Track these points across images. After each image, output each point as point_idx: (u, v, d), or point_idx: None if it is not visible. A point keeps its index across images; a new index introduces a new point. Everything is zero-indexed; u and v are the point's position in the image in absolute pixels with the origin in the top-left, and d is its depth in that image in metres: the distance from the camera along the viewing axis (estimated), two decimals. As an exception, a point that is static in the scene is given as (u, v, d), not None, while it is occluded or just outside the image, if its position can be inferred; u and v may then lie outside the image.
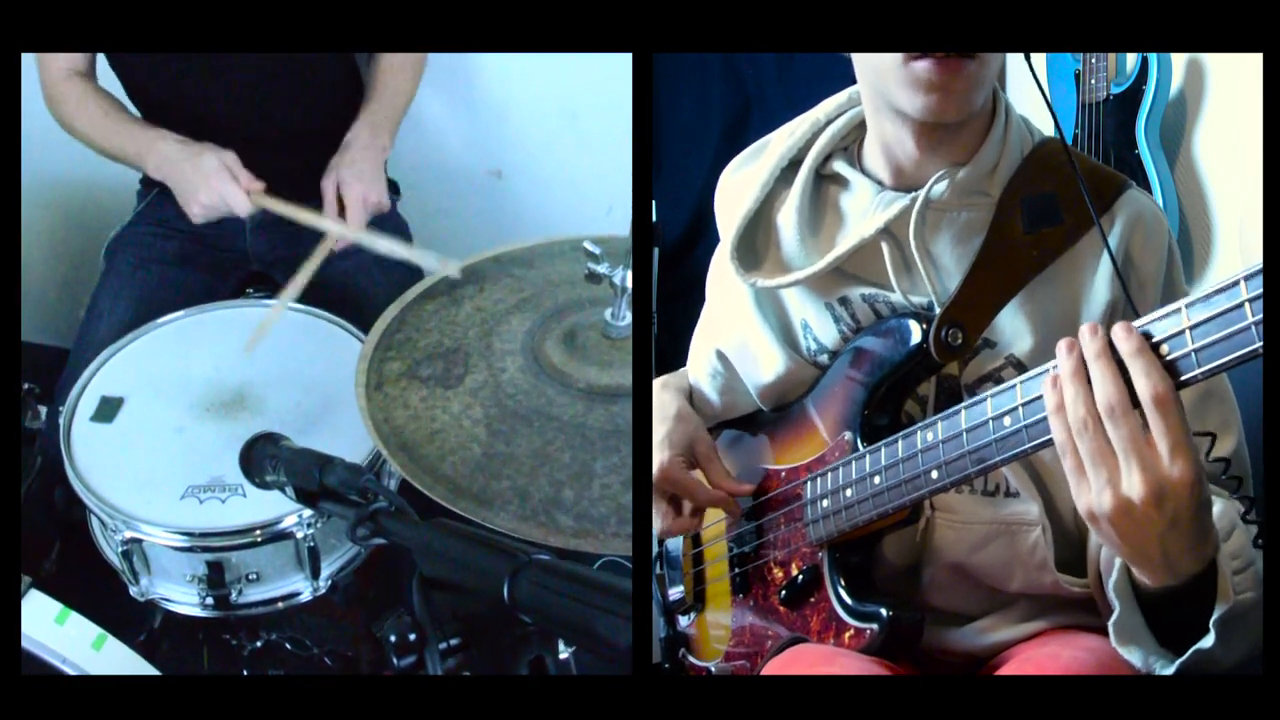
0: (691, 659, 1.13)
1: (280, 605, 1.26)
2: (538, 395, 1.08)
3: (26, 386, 1.63)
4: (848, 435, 0.94)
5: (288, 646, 1.47)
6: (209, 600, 1.23)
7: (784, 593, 0.98)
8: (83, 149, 1.59)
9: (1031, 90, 0.92)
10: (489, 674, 0.72)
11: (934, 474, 0.84)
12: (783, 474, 1.01)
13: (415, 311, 1.22)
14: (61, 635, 1.09)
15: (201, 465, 1.24)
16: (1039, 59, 1.86)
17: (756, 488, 1.04)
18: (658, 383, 1.10)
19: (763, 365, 1.01)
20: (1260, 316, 0.63)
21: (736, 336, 1.03)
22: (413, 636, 0.71)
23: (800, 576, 0.97)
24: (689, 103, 2.00)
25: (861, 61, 0.91)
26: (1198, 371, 0.67)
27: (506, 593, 0.67)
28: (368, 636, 1.48)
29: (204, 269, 1.63)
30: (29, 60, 1.51)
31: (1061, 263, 0.90)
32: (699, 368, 1.09)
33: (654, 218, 1.85)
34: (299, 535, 1.20)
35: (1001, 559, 0.92)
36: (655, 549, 1.18)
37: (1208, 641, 0.73)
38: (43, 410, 1.60)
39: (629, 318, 1.13)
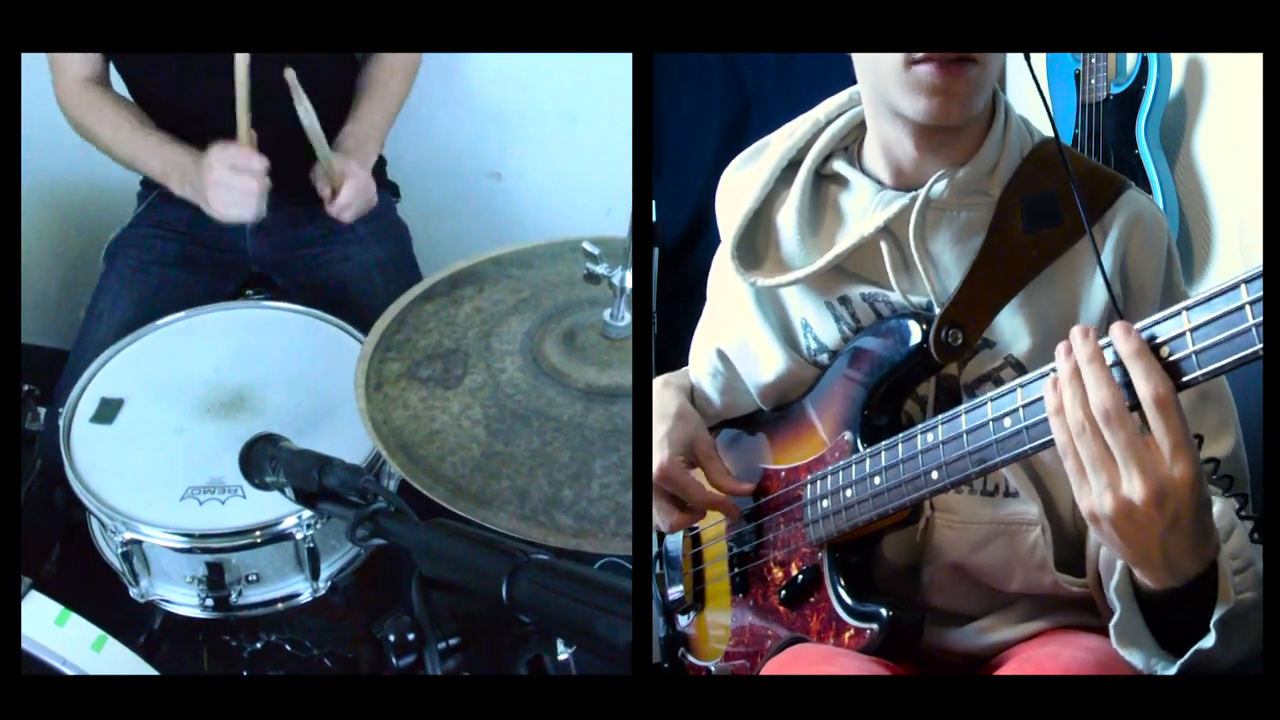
0: (691, 659, 1.13)
1: (280, 606, 1.26)
2: (537, 395, 1.08)
3: (26, 388, 1.63)
4: (847, 435, 0.94)
5: (287, 648, 1.47)
6: (209, 601, 1.23)
7: (784, 593, 0.98)
8: (84, 150, 1.59)
9: (1032, 91, 0.92)
10: (488, 674, 0.72)
11: (934, 474, 0.84)
12: (782, 474, 1.01)
13: (414, 312, 1.22)
14: (61, 637, 1.09)
15: (201, 466, 1.24)
16: (1039, 59, 1.86)
17: (756, 488, 1.04)
18: (658, 381, 1.10)
19: (763, 364, 1.01)
20: (1260, 319, 0.63)
21: (737, 336, 1.03)
22: (412, 636, 0.71)
23: (800, 576, 0.97)
24: (689, 103, 2.00)
25: (862, 64, 0.91)
26: (1199, 373, 0.67)
27: (505, 592, 0.67)
28: (367, 638, 1.48)
29: (204, 271, 1.63)
30: (29, 60, 1.51)
31: (1061, 263, 0.90)
32: (700, 367, 1.09)
33: (654, 218, 1.85)
34: (299, 536, 1.20)
35: (1001, 559, 0.92)
36: (655, 549, 1.18)
37: (1208, 642, 0.73)
38: (42, 412, 1.60)
39: (628, 318, 1.13)
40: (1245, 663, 0.76)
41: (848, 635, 0.91)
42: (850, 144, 0.98)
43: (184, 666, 1.44)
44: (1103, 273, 0.87)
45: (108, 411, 1.31)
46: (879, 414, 0.93)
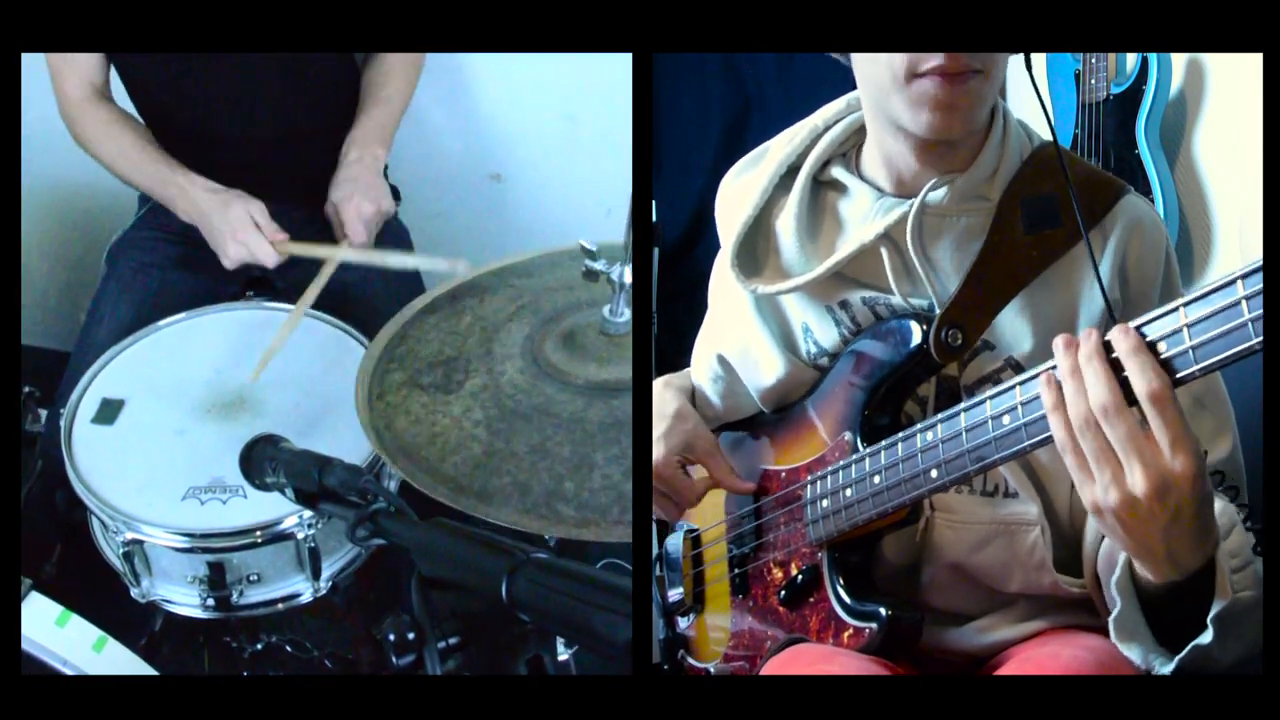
0: (691, 660, 1.13)
1: (281, 606, 1.26)
2: (537, 394, 1.08)
3: (27, 390, 1.63)
4: (848, 436, 0.94)
5: (288, 649, 1.47)
6: (210, 601, 1.23)
7: (783, 593, 0.98)
8: (84, 154, 1.59)
9: (1031, 93, 0.92)
10: (487, 673, 0.72)
11: (933, 473, 0.84)
12: (783, 475, 1.01)
13: (417, 326, 1.22)
14: (62, 637, 1.09)
15: (202, 467, 1.24)
16: (1039, 59, 1.86)
17: (757, 488, 1.04)
18: (659, 382, 1.11)
19: (763, 369, 1.01)
20: (1257, 313, 0.63)
21: (738, 342, 1.03)
22: (411, 635, 0.71)
23: (799, 576, 0.97)
24: (689, 103, 2.00)
25: (863, 76, 0.91)
26: (1195, 368, 0.67)
27: (505, 591, 0.67)
28: (368, 638, 1.48)
29: (205, 273, 1.63)
30: (29, 60, 1.51)
31: (1061, 265, 0.91)
32: (701, 373, 1.09)
33: (654, 218, 1.85)
34: (299, 536, 1.20)
35: (1000, 559, 0.92)
36: (655, 550, 1.18)
37: (1206, 638, 0.74)
38: (43, 413, 1.60)
39: (627, 314, 1.13)
40: (1243, 663, 0.76)
41: (847, 635, 0.92)
42: (849, 150, 0.99)
43: (184, 668, 1.45)
44: (1099, 282, 0.87)
45: (109, 412, 1.31)
46: (879, 415, 0.94)
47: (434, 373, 1.13)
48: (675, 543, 1.16)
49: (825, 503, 0.95)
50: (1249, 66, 1.59)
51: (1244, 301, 0.64)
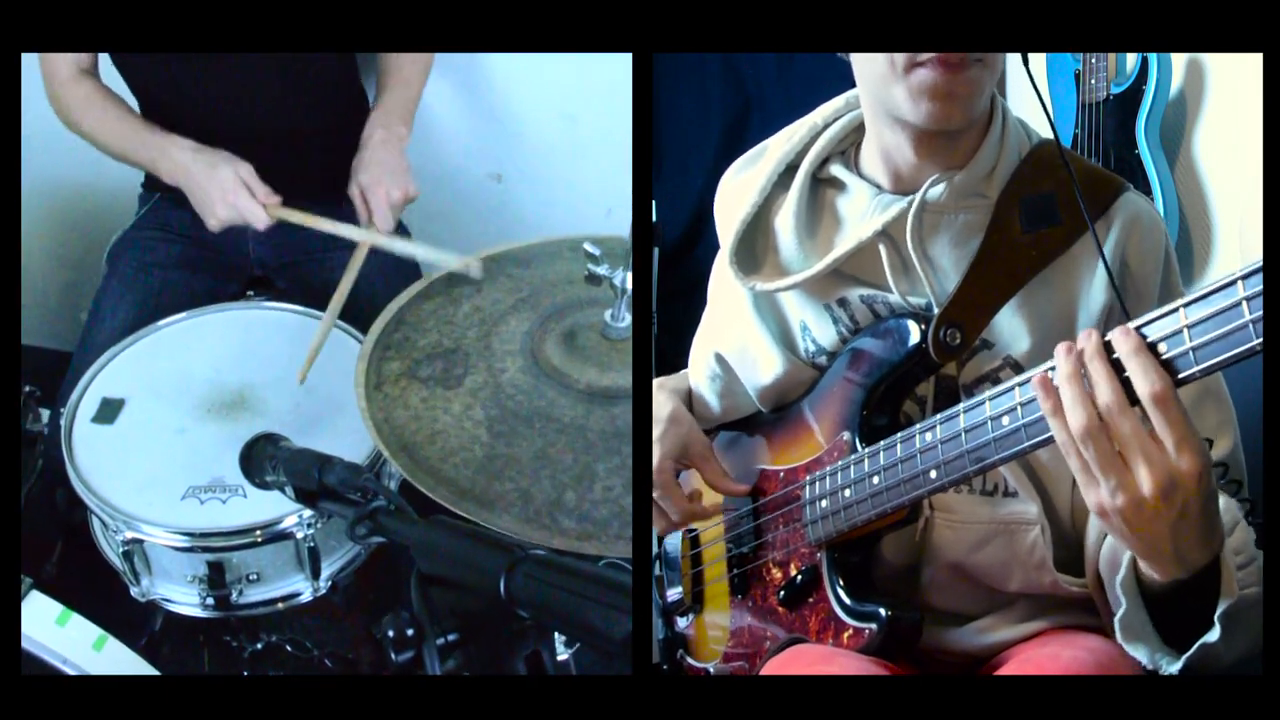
0: (690, 660, 1.13)
1: (280, 606, 1.26)
2: (538, 396, 1.08)
3: (28, 389, 1.63)
4: (846, 436, 0.94)
5: (288, 648, 1.47)
6: (209, 601, 1.23)
7: (782, 593, 0.98)
8: (85, 153, 1.59)
9: (1031, 92, 0.92)
10: (486, 669, 0.73)
11: (933, 474, 0.84)
12: (781, 475, 1.01)
13: (413, 311, 1.22)
14: (62, 636, 1.09)
15: (202, 466, 1.24)
16: (1039, 59, 1.86)
17: (755, 489, 1.04)
18: (654, 384, 1.10)
19: (761, 367, 1.01)
20: (1257, 314, 0.63)
21: (736, 340, 1.03)
22: (410, 632, 0.71)
23: (799, 577, 0.97)
24: (689, 103, 2.00)
25: (862, 69, 0.91)
26: (1196, 369, 0.67)
27: (503, 587, 0.67)
28: (368, 639, 1.48)
29: (206, 273, 1.64)
30: (29, 60, 1.51)
31: (1059, 264, 0.91)
32: (699, 372, 1.09)
33: (654, 218, 1.85)
34: (299, 535, 1.20)
35: (1000, 559, 0.92)
36: (655, 550, 1.18)
37: (1213, 635, 0.74)
38: (44, 413, 1.60)
39: (628, 319, 1.13)
40: (1247, 660, 0.76)
41: (846, 635, 0.91)
42: (847, 148, 0.99)
43: (185, 667, 1.45)
44: (1107, 269, 0.87)
45: (109, 412, 1.32)
46: (878, 414, 0.94)
47: (432, 365, 1.13)
48: (674, 542, 1.16)
49: (824, 503, 0.94)
50: (1249, 66, 1.60)
51: (1245, 303, 0.64)
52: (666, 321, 1.70)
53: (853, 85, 0.95)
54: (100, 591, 1.27)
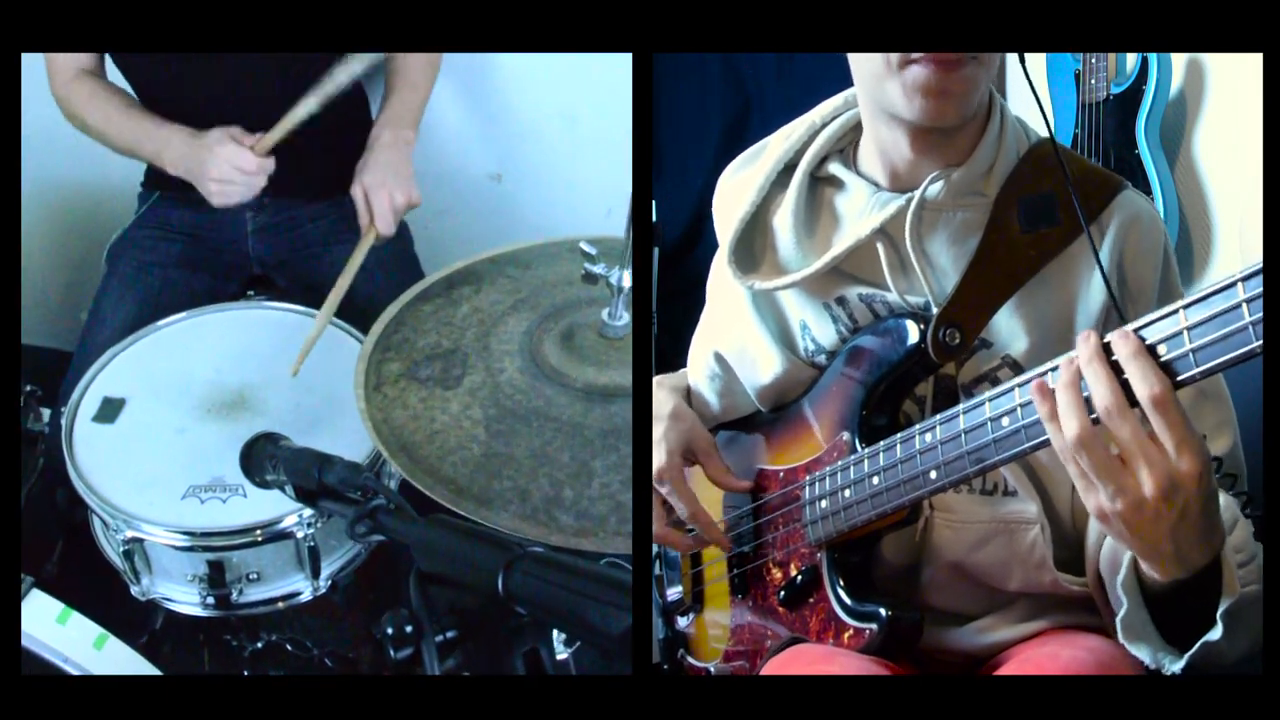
0: (690, 660, 1.13)
1: (280, 605, 1.26)
2: (536, 395, 1.08)
3: (29, 389, 1.63)
4: (846, 436, 0.94)
5: (288, 648, 1.47)
6: (210, 600, 1.23)
7: (783, 593, 0.98)
8: (85, 153, 1.59)
9: (1030, 93, 0.92)
10: (485, 666, 0.73)
11: (932, 474, 0.84)
12: (781, 475, 1.01)
13: (413, 312, 1.22)
14: (63, 635, 1.09)
15: (202, 465, 1.24)
16: (1039, 59, 1.86)
17: (755, 488, 1.04)
18: (654, 382, 1.10)
19: (761, 366, 1.01)
20: (1257, 316, 0.63)
21: (735, 339, 1.03)
22: (409, 629, 0.72)
23: (799, 577, 0.97)
24: (689, 103, 2.01)
25: (858, 66, 0.91)
26: (1195, 371, 0.67)
27: (501, 585, 0.68)
28: (368, 638, 1.48)
29: (206, 272, 1.64)
30: (29, 60, 1.52)
31: (1058, 263, 0.91)
32: (697, 371, 1.09)
33: (654, 218, 1.85)
34: (299, 535, 1.20)
35: (1000, 558, 0.92)
36: (655, 549, 1.18)
37: (1215, 634, 0.74)
38: (45, 412, 1.60)
39: (626, 317, 1.13)
40: (1249, 658, 0.76)
41: (847, 635, 0.92)
42: (846, 146, 0.99)
43: (185, 666, 1.45)
44: (1102, 272, 0.87)
45: (110, 411, 1.32)
46: (877, 414, 0.94)
47: (431, 366, 1.14)
48: (674, 543, 1.16)
49: (824, 503, 0.95)
50: (1249, 66, 1.60)
51: (1245, 305, 0.64)
52: (666, 321, 1.70)
53: (852, 84, 0.95)
54: (101, 590, 1.27)
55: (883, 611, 0.90)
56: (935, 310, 0.90)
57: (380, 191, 1.46)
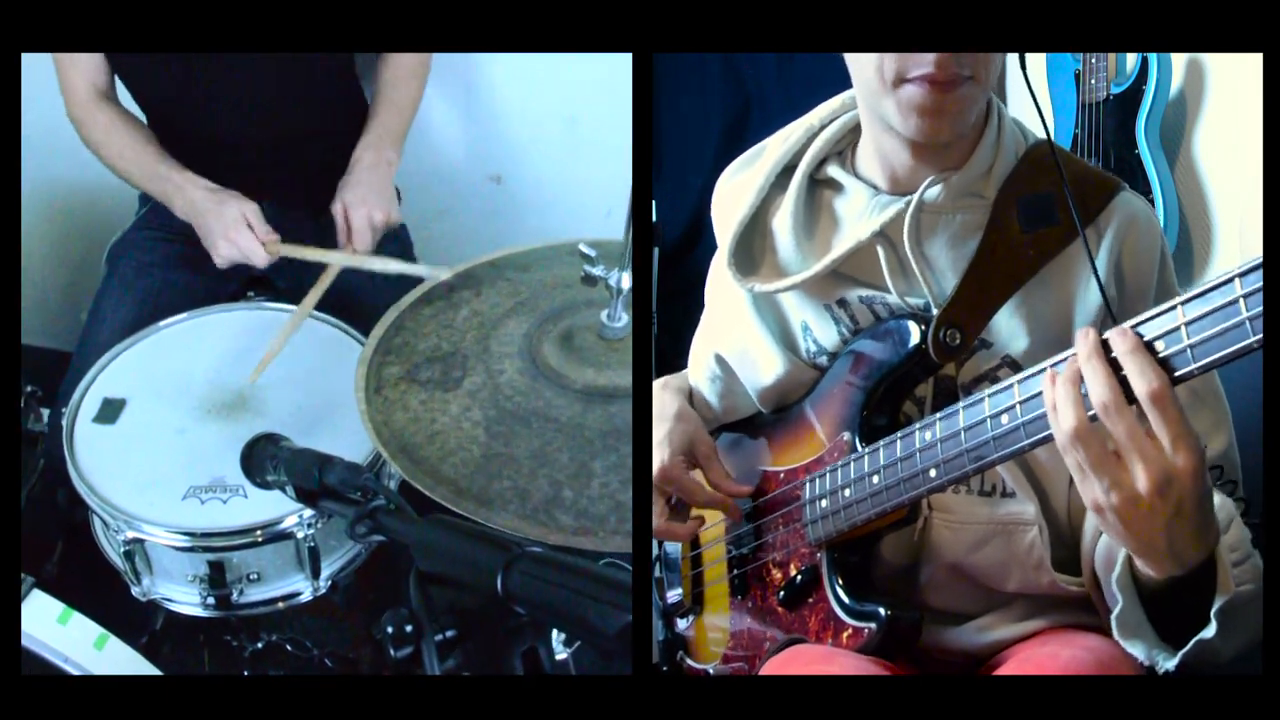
0: (690, 662, 1.13)
1: (281, 605, 1.26)
2: (535, 397, 1.08)
3: (29, 389, 1.64)
4: (846, 436, 0.94)
5: (288, 648, 1.47)
6: (210, 600, 1.23)
7: (782, 594, 0.98)
8: (85, 153, 1.59)
9: (1029, 94, 0.92)
10: (484, 665, 0.73)
11: (932, 472, 0.84)
12: (781, 475, 1.01)
13: (413, 316, 1.22)
14: (64, 635, 1.09)
15: (203, 466, 1.24)
16: (1039, 59, 1.86)
17: (755, 489, 1.04)
18: (658, 383, 1.11)
19: (762, 368, 1.01)
20: (1254, 312, 0.63)
21: (736, 341, 1.03)
22: (409, 628, 0.72)
23: (799, 577, 0.97)
24: (689, 103, 2.01)
25: (857, 75, 0.91)
26: (1193, 367, 0.67)
27: (500, 584, 0.68)
28: (368, 638, 1.48)
29: (206, 273, 1.63)
30: (30, 60, 1.52)
31: (1057, 264, 0.91)
32: (698, 373, 1.09)
33: (654, 218, 1.85)
34: (299, 535, 1.20)
35: (998, 558, 0.92)
36: (655, 550, 1.18)
37: (1209, 632, 0.74)
38: (45, 413, 1.60)
39: (625, 319, 1.13)
40: (1243, 657, 0.76)
41: (846, 635, 0.92)
42: (844, 148, 0.99)
43: (185, 666, 1.45)
44: (1097, 278, 0.87)
45: (110, 412, 1.32)
46: (878, 415, 0.94)
47: (431, 368, 1.14)
48: (674, 544, 1.16)
49: (824, 503, 0.95)
50: (1249, 66, 1.60)
51: (1242, 300, 0.64)
52: (666, 321, 1.70)
53: (851, 85, 0.96)
54: (101, 591, 1.27)
55: (882, 611, 0.90)
56: (935, 311, 0.90)
57: (360, 209, 1.48)
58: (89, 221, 2.02)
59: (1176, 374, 0.68)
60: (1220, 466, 0.88)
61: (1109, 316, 0.87)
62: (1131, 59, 1.75)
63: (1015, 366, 0.90)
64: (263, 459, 0.96)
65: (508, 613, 0.70)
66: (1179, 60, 1.73)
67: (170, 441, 1.28)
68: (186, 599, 1.26)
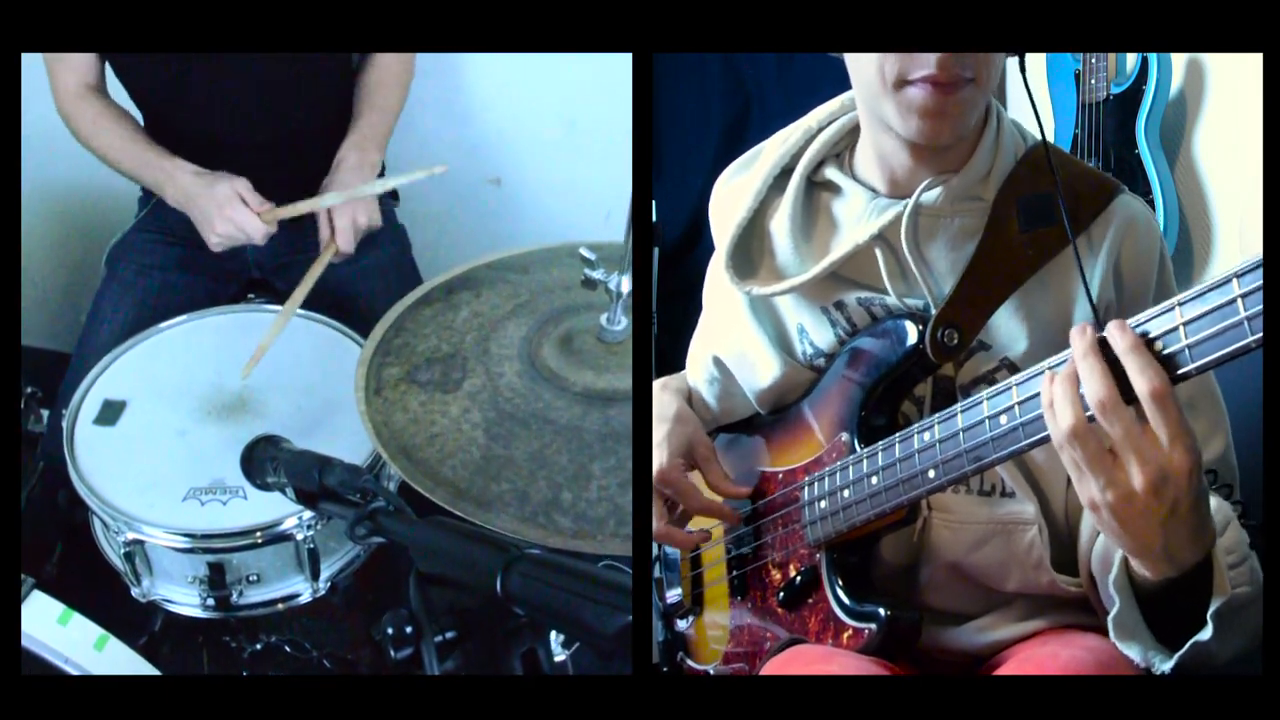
0: (690, 662, 1.13)
1: (280, 606, 1.26)
2: (535, 399, 1.08)
3: (29, 390, 1.64)
4: (845, 436, 0.94)
5: (287, 649, 1.47)
6: (210, 601, 1.23)
7: (782, 594, 0.98)
8: (85, 154, 1.59)
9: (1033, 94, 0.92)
10: (483, 666, 0.73)
11: (931, 473, 0.84)
12: (780, 476, 1.01)
13: (413, 317, 1.22)
14: (64, 636, 1.09)
15: (203, 468, 1.24)
16: (1039, 59, 1.86)
17: (755, 490, 1.04)
18: (657, 384, 1.11)
19: (760, 371, 1.01)
20: (1252, 311, 0.63)
21: (734, 344, 1.03)
22: (409, 630, 0.72)
23: (798, 578, 0.97)
24: (689, 103, 2.01)
25: (857, 76, 0.91)
26: (1191, 366, 0.67)
27: (499, 585, 0.68)
28: (367, 640, 1.48)
29: (205, 275, 1.64)
30: (29, 61, 1.52)
31: (1056, 265, 0.91)
32: (697, 375, 1.09)
33: (654, 218, 1.85)
34: (299, 537, 1.20)
35: (998, 559, 0.92)
36: (655, 550, 1.18)
37: (1205, 634, 0.74)
38: (45, 414, 1.60)
39: (624, 322, 1.13)
40: (1240, 659, 0.76)
41: (846, 635, 0.92)
42: (842, 151, 0.99)
43: (185, 667, 1.45)
44: (1085, 286, 0.87)
45: (111, 413, 1.32)
46: (876, 415, 0.94)
47: (431, 370, 1.14)
48: (674, 544, 1.16)
49: (823, 504, 0.95)
50: (1249, 66, 1.60)
51: (1240, 299, 0.64)
52: (666, 322, 1.70)
53: (850, 86, 0.95)
54: (101, 592, 1.27)
55: (881, 611, 0.90)
56: (934, 312, 0.90)
57: (343, 210, 1.48)
58: (89, 223, 2.02)
59: (1176, 373, 0.68)
60: (1215, 470, 0.88)
61: (1097, 324, 0.87)
62: (1131, 59, 1.75)
63: (1014, 368, 0.90)
64: (263, 461, 0.96)
65: (507, 614, 0.70)
66: (1179, 60, 1.73)
67: (170, 443, 1.28)
68: (186, 600, 1.26)
